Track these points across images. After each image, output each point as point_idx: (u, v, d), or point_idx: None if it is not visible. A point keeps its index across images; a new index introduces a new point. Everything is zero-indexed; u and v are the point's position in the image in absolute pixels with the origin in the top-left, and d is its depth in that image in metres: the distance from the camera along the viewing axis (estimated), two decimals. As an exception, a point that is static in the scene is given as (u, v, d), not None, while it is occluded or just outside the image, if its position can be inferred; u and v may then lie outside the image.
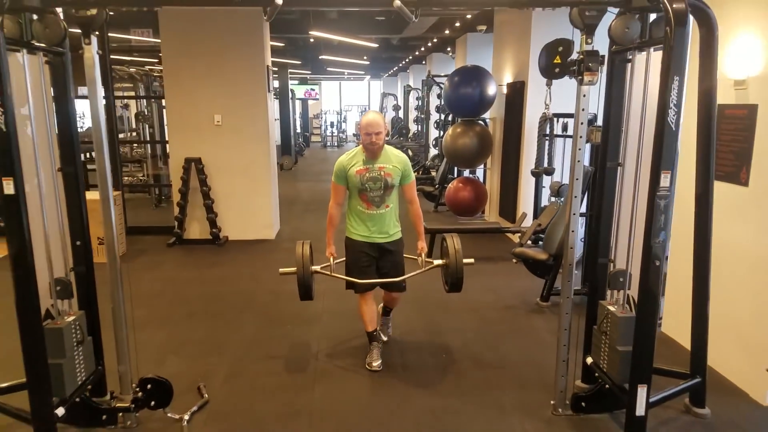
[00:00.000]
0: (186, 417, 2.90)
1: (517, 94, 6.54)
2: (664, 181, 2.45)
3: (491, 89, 6.96)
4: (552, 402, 3.02)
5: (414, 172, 3.57)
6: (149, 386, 2.84)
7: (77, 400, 2.71)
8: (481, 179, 8.47)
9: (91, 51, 2.51)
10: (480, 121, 7.43)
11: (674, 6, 2.30)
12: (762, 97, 3.09)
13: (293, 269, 3.35)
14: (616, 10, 2.59)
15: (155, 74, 9.73)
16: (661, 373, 3.04)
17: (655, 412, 2.88)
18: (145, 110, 9.78)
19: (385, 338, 3.78)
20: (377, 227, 3.39)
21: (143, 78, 9.67)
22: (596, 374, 2.99)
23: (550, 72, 2.74)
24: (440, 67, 12.57)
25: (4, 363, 3.09)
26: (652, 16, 2.61)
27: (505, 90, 6.95)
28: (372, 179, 3.30)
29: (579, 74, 2.57)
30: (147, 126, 9.86)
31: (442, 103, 9.27)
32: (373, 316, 3.56)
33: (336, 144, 22.07)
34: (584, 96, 2.62)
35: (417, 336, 3.97)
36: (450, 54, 11.93)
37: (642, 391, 2.61)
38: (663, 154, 2.42)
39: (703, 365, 2.98)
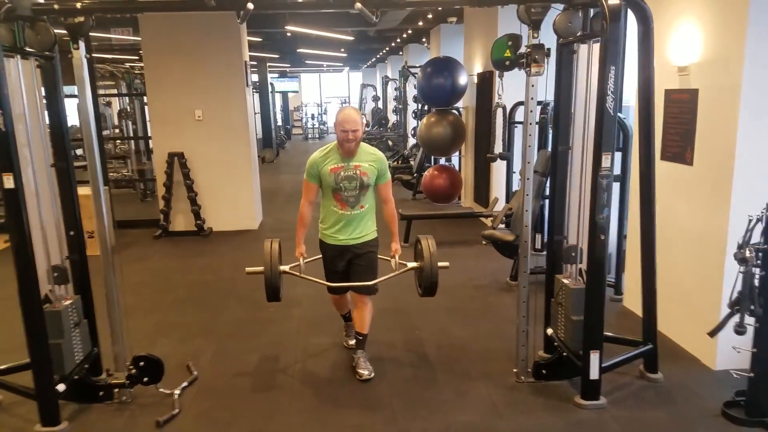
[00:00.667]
0: (177, 392, 3.12)
1: (486, 83, 6.79)
2: (605, 162, 2.67)
3: (463, 79, 7.20)
4: (515, 370, 3.19)
5: (393, 161, 3.57)
6: (142, 363, 3.04)
7: (76, 378, 2.92)
8: (457, 167, 8.73)
9: (80, 54, 2.69)
10: (453, 111, 7.67)
11: (609, 3, 2.54)
12: (702, 82, 3.30)
13: (260, 269, 3.13)
14: (561, 7, 2.81)
15: (136, 72, 9.82)
16: (617, 342, 3.26)
17: (612, 378, 3.09)
18: (128, 107, 9.87)
19: (370, 375, 3.28)
20: (350, 229, 3.23)
21: (125, 76, 9.76)
22: (555, 343, 3.19)
23: (501, 65, 2.99)
24: (417, 57, 12.76)
25: (9, 346, 3.28)
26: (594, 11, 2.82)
27: (475, 80, 7.20)
28: (347, 178, 3.14)
29: (527, 66, 2.79)
30: (130, 123, 9.95)
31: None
32: (346, 303, 3.62)
33: (317, 136, 22.18)
34: (533, 86, 2.84)
35: (391, 315, 4.21)
36: (425, 45, 12.13)
37: (595, 356, 2.81)
38: (603, 137, 2.66)
39: (654, 333, 3.15)
